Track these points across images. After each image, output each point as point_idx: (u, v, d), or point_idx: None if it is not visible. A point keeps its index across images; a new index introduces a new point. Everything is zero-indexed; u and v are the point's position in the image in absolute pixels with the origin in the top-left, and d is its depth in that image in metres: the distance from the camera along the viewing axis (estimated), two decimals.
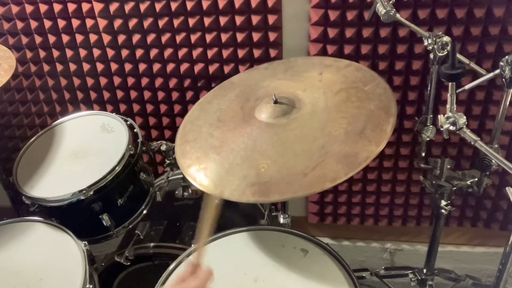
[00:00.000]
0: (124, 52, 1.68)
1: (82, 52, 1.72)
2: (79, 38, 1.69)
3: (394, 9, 1.13)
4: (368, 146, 0.96)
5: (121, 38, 1.65)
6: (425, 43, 1.09)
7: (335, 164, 0.95)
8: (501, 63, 0.98)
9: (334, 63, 1.25)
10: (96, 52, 1.70)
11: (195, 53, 1.62)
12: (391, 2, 1.15)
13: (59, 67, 1.77)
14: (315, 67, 1.26)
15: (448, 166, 1.23)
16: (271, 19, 1.50)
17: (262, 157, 1.02)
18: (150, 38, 1.63)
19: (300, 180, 0.95)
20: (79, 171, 1.34)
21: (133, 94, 1.77)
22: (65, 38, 1.70)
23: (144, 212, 1.43)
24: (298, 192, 0.94)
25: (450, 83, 0.98)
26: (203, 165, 1.07)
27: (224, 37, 1.57)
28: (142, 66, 1.70)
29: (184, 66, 1.66)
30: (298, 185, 0.95)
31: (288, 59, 1.36)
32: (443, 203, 1.29)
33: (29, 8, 1.66)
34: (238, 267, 1.14)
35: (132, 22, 1.61)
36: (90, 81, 1.78)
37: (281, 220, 1.38)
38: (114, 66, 1.72)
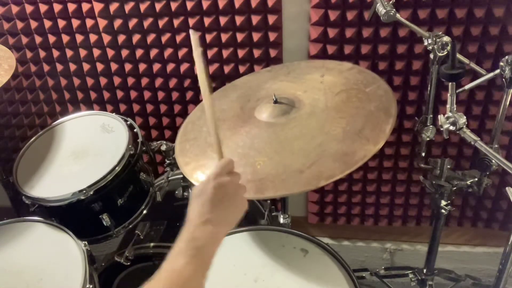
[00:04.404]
0: (124, 52, 1.68)
1: (82, 52, 1.72)
2: (79, 38, 1.69)
3: (394, 9, 1.13)
4: (366, 145, 0.96)
5: (121, 38, 1.65)
6: (425, 43, 1.09)
7: (332, 162, 0.95)
8: (501, 63, 0.98)
9: (337, 66, 1.26)
10: (96, 52, 1.70)
11: None
12: (391, 2, 1.15)
13: (59, 67, 1.77)
14: (318, 70, 1.26)
15: (448, 166, 1.23)
16: (271, 19, 1.50)
17: (259, 155, 1.03)
18: (150, 38, 1.63)
19: (295, 177, 0.95)
20: (79, 171, 1.34)
21: (133, 94, 1.77)
22: (65, 38, 1.70)
23: (144, 212, 1.43)
24: (292, 189, 0.94)
25: (450, 83, 0.98)
26: (201, 163, 1.08)
27: (224, 37, 1.57)
28: (142, 66, 1.70)
29: (184, 66, 1.66)
30: (293, 182, 0.95)
31: (291, 62, 1.37)
32: (443, 203, 1.28)
33: (29, 8, 1.66)
34: (238, 267, 1.14)
35: (132, 22, 1.61)
36: (90, 81, 1.78)
37: (281, 220, 1.38)
38: (114, 66, 1.72)
